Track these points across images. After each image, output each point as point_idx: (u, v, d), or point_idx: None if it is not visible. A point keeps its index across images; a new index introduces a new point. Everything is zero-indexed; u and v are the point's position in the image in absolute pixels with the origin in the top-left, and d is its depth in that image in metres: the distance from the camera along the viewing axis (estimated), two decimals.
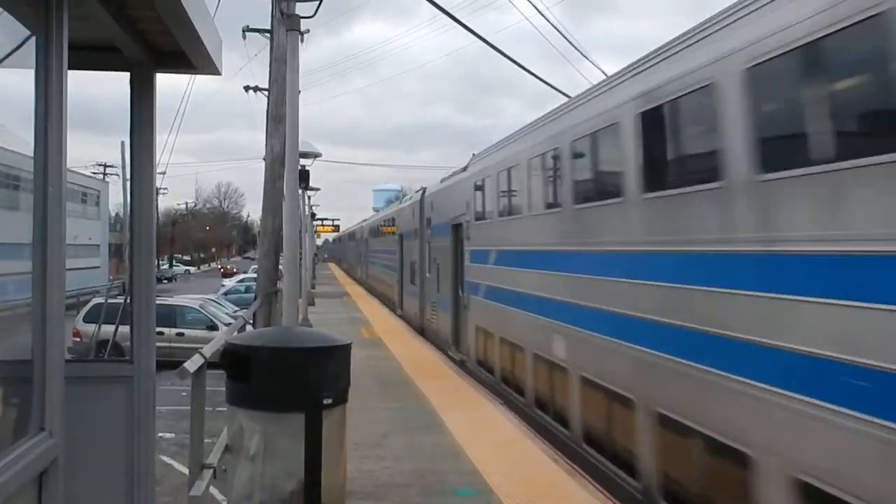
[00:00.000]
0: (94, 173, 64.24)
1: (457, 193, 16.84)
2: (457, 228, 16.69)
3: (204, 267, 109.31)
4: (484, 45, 13.44)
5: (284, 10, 7.85)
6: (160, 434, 11.12)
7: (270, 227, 16.17)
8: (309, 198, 32.63)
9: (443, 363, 15.48)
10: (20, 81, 2.97)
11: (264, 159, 16.57)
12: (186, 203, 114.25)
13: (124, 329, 4.99)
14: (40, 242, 2.90)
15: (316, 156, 18.50)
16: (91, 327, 17.52)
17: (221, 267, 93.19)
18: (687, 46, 7.05)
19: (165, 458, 10.39)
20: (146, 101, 4.57)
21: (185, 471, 6.90)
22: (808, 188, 5.31)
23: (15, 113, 3.05)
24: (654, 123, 7.50)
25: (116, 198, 56.90)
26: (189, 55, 4.40)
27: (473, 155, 16.43)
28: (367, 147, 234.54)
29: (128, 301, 4.93)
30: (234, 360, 5.71)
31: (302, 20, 7.86)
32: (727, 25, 6.37)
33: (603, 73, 19.43)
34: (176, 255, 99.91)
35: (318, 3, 6.81)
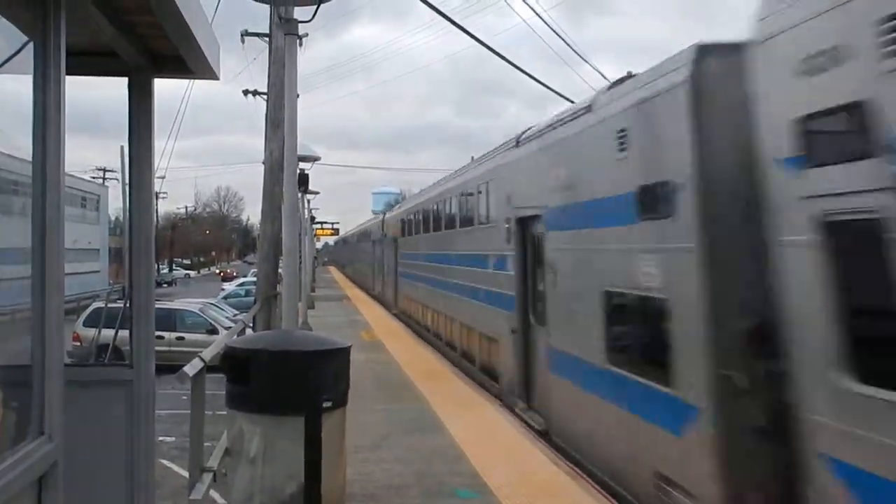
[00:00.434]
0: (94, 178, 64.38)
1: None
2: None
3: (204, 271, 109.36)
4: (483, 46, 13.44)
5: (282, 14, 7.86)
6: (161, 438, 11.12)
7: (270, 231, 16.21)
8: (308, 201, 32.64)
9: (443, 365, 15.49)
10: (18, 86, 2.98)
11: (263, 163, 16.63)
12: (186, 207, 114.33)
13: (124, 333, 5.00)
14: (39, 247, 2.91)
15: (315, 159, 18.50)
16: (91, 331, 17.55)
17: (220, 271, 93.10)
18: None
19: (166, 462, 10.39)
20: (144, 105, 4.59)
21: (186, 474, 6.90)
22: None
23: (13, 118, 3.06)
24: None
25: (116, 202, 56.95)
26: (187, 60, 4.41)
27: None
28: (367, 150, 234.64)
29: (127, 305, 4.94)
30: (234, 364, 5.72)
31: (300, 24, 7.86)
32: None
33: (602, 75, 19.45)
34: (176, 259, 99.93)
35: (316, 6, 6.81)
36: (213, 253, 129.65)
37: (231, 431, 5.83)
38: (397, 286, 28.25)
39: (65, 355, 3.21)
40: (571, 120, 9.18)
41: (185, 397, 7.71)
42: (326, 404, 5.60)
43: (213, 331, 20.07)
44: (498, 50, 13.88)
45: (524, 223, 11.16)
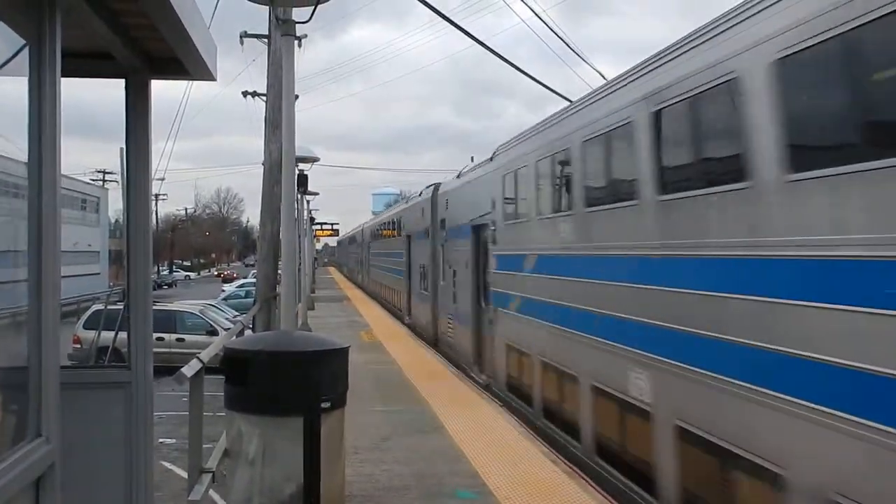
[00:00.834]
0: (94, 180, 64.35)
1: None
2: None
3: (204, 272, 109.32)
4: (482, 47, 13.45)
5: (280, 15, 7.87)
6: (162, 440, 11.13)
7: (269, 232, 16.19)
8: (308, 202, 32.65)
9: (442, 365, 15.49)
10: (13, 88, 2.98)
11: (263, 164, 16.62)
12: (186, 209, 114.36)
13: (124, 335, 5.00)
14: (35, 249, 2.92)
15: (314, 160, 18.49)
16: (91, 334, 17.53)
17: (219, 272, 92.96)
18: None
19: (166, 464, 10.39)
20: (141, 107, 4.60)
21: (186, 476, 6.90)
22: None
23: (9, 120, 3.06)
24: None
25: (116, 204, 56.98)
26: (183, 61, 4.42)
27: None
28: (366, 150, 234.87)
29: (126, 307, 4.95)
30: (233, 365, 5.73)
31: (298, 25, 7.87)
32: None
33: (601, 75, 19.48)
34: (176, 261, 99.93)
35: (313, 7, 6.82)
36: (213, 255, 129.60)
37: (230, 432, 5.83)
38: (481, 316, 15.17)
39: (62, 357, 3.21)
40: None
41: (185, 399, 7.70)
42: (325, 405, 5.60)
43: (213, 332, 20.03)
44: (497, 50, 13.90)
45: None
